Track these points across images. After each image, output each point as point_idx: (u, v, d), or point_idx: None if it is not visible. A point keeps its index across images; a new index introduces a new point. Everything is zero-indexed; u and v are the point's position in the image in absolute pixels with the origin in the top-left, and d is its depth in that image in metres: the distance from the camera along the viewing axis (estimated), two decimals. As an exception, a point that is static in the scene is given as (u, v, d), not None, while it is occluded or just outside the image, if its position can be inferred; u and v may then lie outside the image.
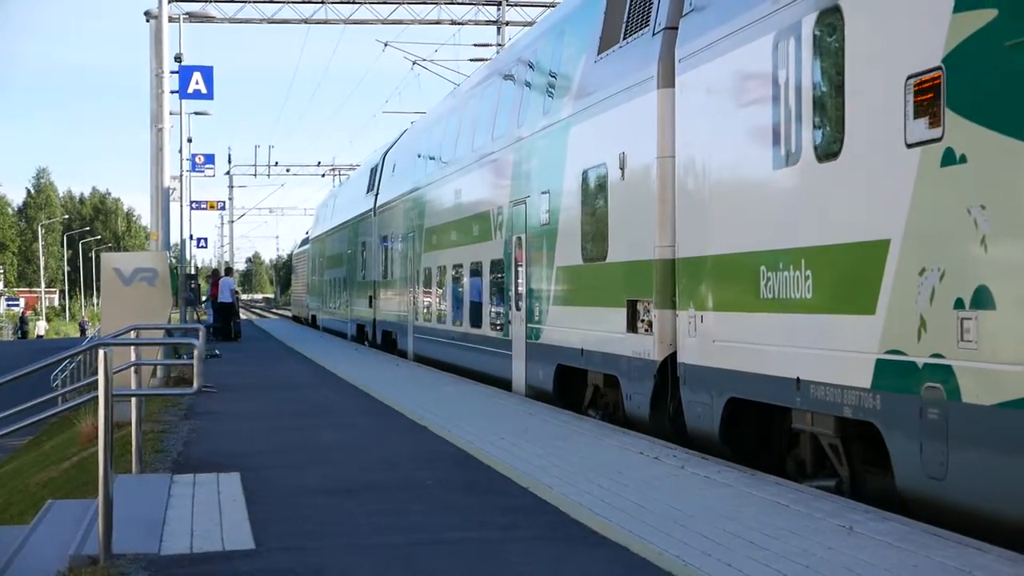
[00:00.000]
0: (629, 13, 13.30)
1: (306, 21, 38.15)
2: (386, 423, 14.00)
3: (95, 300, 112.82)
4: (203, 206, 57.32)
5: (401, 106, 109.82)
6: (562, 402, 15.23)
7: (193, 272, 46.39)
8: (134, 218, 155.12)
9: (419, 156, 26.95)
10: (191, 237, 52.20)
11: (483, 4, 38.52)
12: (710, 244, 11.01)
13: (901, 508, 8.02)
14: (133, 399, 10.86)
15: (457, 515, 8.31)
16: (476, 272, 19.97)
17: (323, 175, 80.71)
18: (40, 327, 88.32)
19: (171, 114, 27.87)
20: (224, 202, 79.38)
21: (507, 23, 39.18)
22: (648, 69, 12.35)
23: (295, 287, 69.52)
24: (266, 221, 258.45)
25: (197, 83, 27.02)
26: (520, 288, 17.05)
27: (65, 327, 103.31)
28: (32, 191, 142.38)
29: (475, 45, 40.75)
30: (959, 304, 7.35)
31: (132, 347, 11.39)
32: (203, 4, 35.93)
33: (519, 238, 17.15)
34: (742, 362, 10.26)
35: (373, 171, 34.79)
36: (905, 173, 7.86)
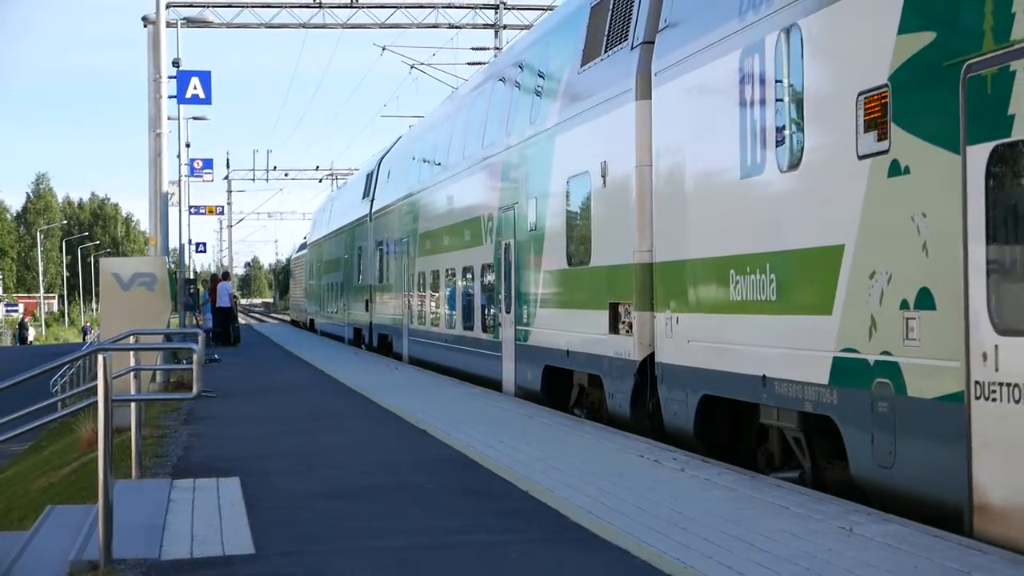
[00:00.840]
0: (610, 27, 13.85)
1: (304, 26, 38.15)
2: (385, 427, 14.00)
3: (94, 305, 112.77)
4: (202, 211, 57.38)
5: (399, 110, 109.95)
6: (550, 402, 15.75)
7: (192, 277, 46.37)
8: (133, 223, 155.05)
9: (413, 162, 27.55)
10: (190, 242, 52.21)
11: (481, 8, 38.58)
12: (684, 249, 11.58)
13: (859, 497, 8.54)
14: (133, 404, 10.86)
15: (457, 518, 8.32)
16: (468, 276, 20.54)
17: (320, 180, 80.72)
18: (30, 333, 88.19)
19: (169, 119, 27.81)
20: (223, 207, 79.25)
21: (504, 27, 39.20)
22: (627, 81, 12.93)
23: (293, 291, 70.10)
24: (265, 225, 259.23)
25: (195, 88, 27.04)
26: (510, 292, 17.61)
27: (64, 332, 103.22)
28: (31, 196, 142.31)
29: (473, 49, 40.73)
30: (904, 305, 7.93)
31: (131, 352, 11.37)
32: (200, 9, 35.93)
33: (508, 243, 17.68)
34: (714, 361, 10.85)
35: (369, 177, 35.30)
36: (857, 183, 8.43)
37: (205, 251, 70.18)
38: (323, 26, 38.23)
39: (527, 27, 36.61)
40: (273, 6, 37.72)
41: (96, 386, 7.31)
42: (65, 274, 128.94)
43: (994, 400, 7.09)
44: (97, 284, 29.90)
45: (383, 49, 40.45)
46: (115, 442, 7.81)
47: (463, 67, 41.49)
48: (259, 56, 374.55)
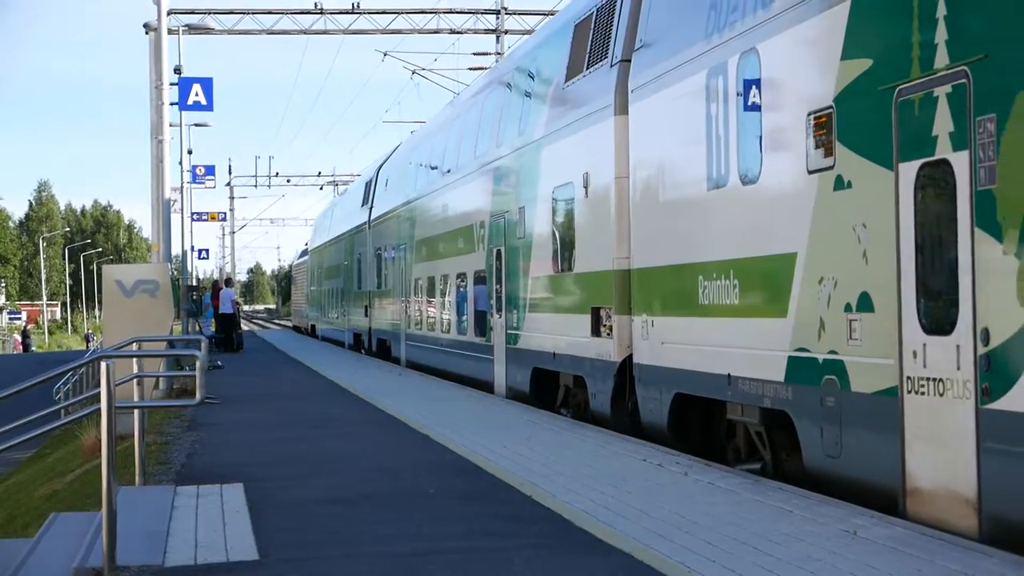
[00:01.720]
0: (591, 44, 14.58)
1: (305, 32, 38.27)
2: (388, 432, 14.03)
3: (97, 313, 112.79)
4: (204, 217, 57.41)
5: (401, 115, 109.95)
6: (538, 403, 16.48)
7: (195, 283, 46.40)
8: (135, 230, 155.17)
9: (409, 171, 28.28)
10: (192, 248, 52.22)
11: (482, 13, 38.60)
12: (659, 256, 12.34)
13: (810, 486, 9.23)
14: (136, 411, 10.85)
15: (460, 524, 8.34)
16: (462, 282, 21.33)
17: (320, 188, 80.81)
18: (32, 342, 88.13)
19: (171, 126, 27.92)
20: (225, 213, 79.36)
21: (506, 32, 39.09)
22: (606, 97, 13.67)
23: (295, 297, 70.84)
24: (267, 232, 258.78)
25: (197, 95, 27.11)
26: (501, 297, 18.35)
27: (67, 340, 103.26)
28: (33, 204, 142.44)
29: (474, 54, 40.70)
30: (848, 308, 8.69)
31: (134, 359, 11.38)
32: (202, 16, 35.97)
33: (500, 250, 18.41)
34: (685, 361, 11.61)
35: (368, 185, 35.98)
36: (807, 196, 9.20)
37: (207, 258, 70.41)
38: (324, 32, 38.34)
39: (528, 32, 36.66)
40: (275, 12, 37.91)
41: (99, 393, 7.32)
42: (68, 281, 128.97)
43: (922, 394, 7.83)
44: (100, 291, 29.92)
45: (384, 55, 40.43)
46: (118, 449, 7.82)
47: (464, 72, 41.55)
48: (261, 62, 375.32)
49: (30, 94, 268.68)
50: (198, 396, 8.54)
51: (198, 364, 8.54)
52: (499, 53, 38.57)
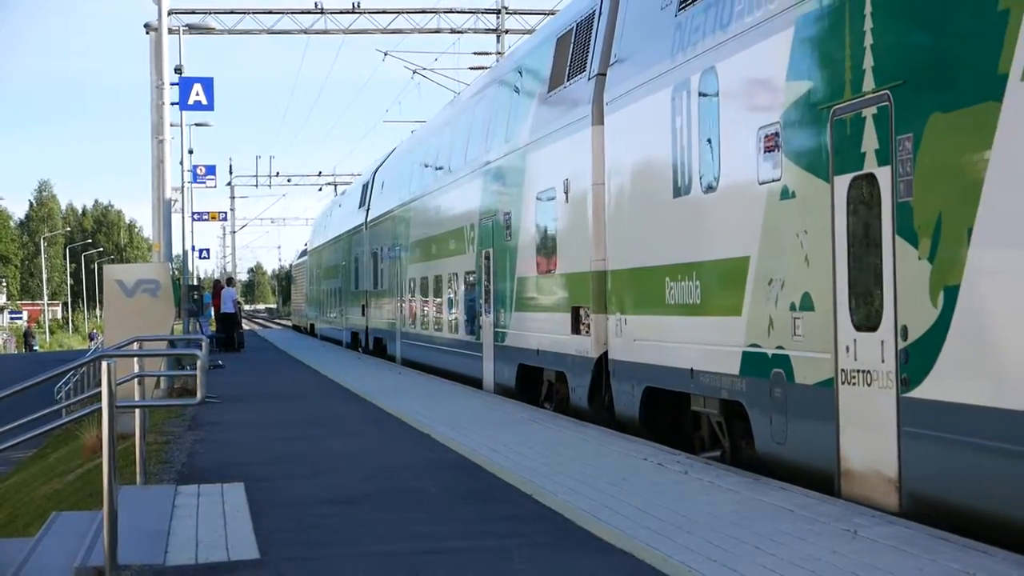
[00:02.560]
0: (572, 57, 15.53)
1: (306, 31, 38.32)
2: (389, 431, 14.06)
3: (98, 312, 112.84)
4: (205, 217, 57.46)
5: (402, 115, 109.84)
6: (523, 397, 17.45)
7: (196, 283, 46.42)
8: (136, 230, 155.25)
9: (404, 175, 29.26)
10: (193, 248, 52.23)
11: (482, 13, 38.63)
12: (630, 258, 13.25)
13: (764, 471, 9.94)
14: (137, 410, 10.87)
15: (461, 523, 8.37)
16: (453, 283, 22.31)
17: (320, 188, 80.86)
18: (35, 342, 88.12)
19: (172, 125, 27.92)
20: (226, 213, 79.36)
21: (506, 31, 39.15)
22: (584, 108, 14.59)
23: (295, 297, 71.91)
24: (268, 231, 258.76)
25: (198, 94, 27.12)
26: (489, 297, 19.31)
27: (69, 339, 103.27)
28: (34, 204, 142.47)
29: (475, 53, 40.80)
30: (793, 307, 9.57)
31: (135, 358, 11.38)
32: (203, 16, 35.98)
33: (488, 252, 19.37)
34: (654, 357, 12.50)
35: (365, 187, 36.83)
36: (758, 204, 10.08)
37: (208, 257, 70.42)
38: (325, 32, 38.41)
39: (529, 31, 36.68)
40: (275, 12, 37.99)
41: (100, 392, 7.32)
42: (69, 281, 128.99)
43: (854, 384, 8.70)
44: (101, 291, 29.94)
45: (385, 54, 40.54)
46: (119, 448, 7.86)
47: (465, 72, 41.57)
48: (261, 62, 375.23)
49: (31, 94, 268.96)
50: (199, 395, 8.54)
51: (199, 363, 8.54)
52: (500, 53, 38.59)
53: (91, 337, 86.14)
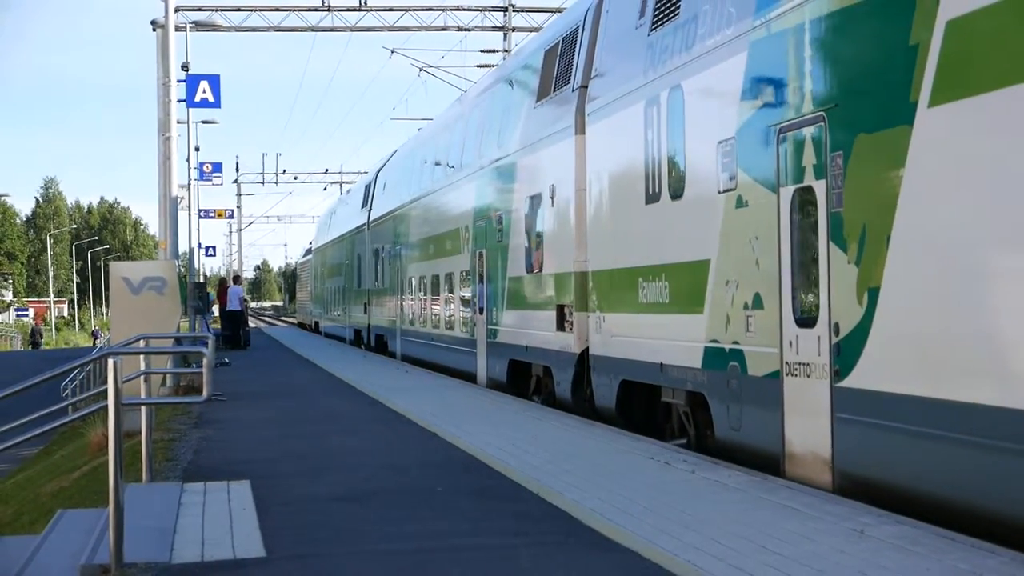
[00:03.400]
0: (558, 70, 16.62)
1: (312, 29, 38.41)
2: (395, 429, 14.10)
3: (104, 310, 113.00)
4: (211, 214, 57.48)
5: (409, 112, 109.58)
6: (513, 391, 18.51)
7: (203, 280, 46.42)
8: (142, 227, 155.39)
9: (404, 177, 30.44)
10: (199, 246, 52.24)
11: (489, 10, 38.70)
12: (608, 260, 14.33)
13: (725, 457, 10.79)
14: (143, 408, 10.90)
15: (467, 521, 8.40)
16: (449, 282, 23.46)
17: (325, 188, 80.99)
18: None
19: (178, 123, 28.01)
20: (232, 210, 79.36)
21: (513, 29, 39.29)
22: (568, 119, 15.66)
23: (299, 295, 73.11)
24: (274, 229, 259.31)
25: (204, 92, 27.25)
26: (482, 295, 20.38)
27: (75, 337, 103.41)
28: (40, 201, 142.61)
29: (482, 51, 40.93)
30: (746, 306, 10.59)
31: (141, 356, 11.40)
32: (209, 13, 36.03)
33: (482, 252, 20.45)
34: (629, 352, 13.56)
35: (367, 188, 37.87)
36: (717, 212, 11.12)
37: (215, 255, 70.20)
38: (332, 29, 38.53)
39: (536, 29, 36.64)
40: (282, 9, 38.18)
41: (106, 390, 7.33)
42: (75, 278, 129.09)
43: (796, 376, 9.72)
44: (107, 288, 29.99)
45: (392, 52, 40.64)
46: (125, 446, 7.85)
47: (472, 69, 41.62)
48: (268, 59, 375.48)
49: (37, 91, 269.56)
50: (205, 393, 8.55)
51: (205, 361, 8.54)
52: (506, 50, 38.63)
53: (95, 335, 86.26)
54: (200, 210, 50.68)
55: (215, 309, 38.99)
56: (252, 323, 54.39)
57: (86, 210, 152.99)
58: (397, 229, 30.35)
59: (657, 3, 12.86)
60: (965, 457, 7.63)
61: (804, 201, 9.60)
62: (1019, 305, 7.22)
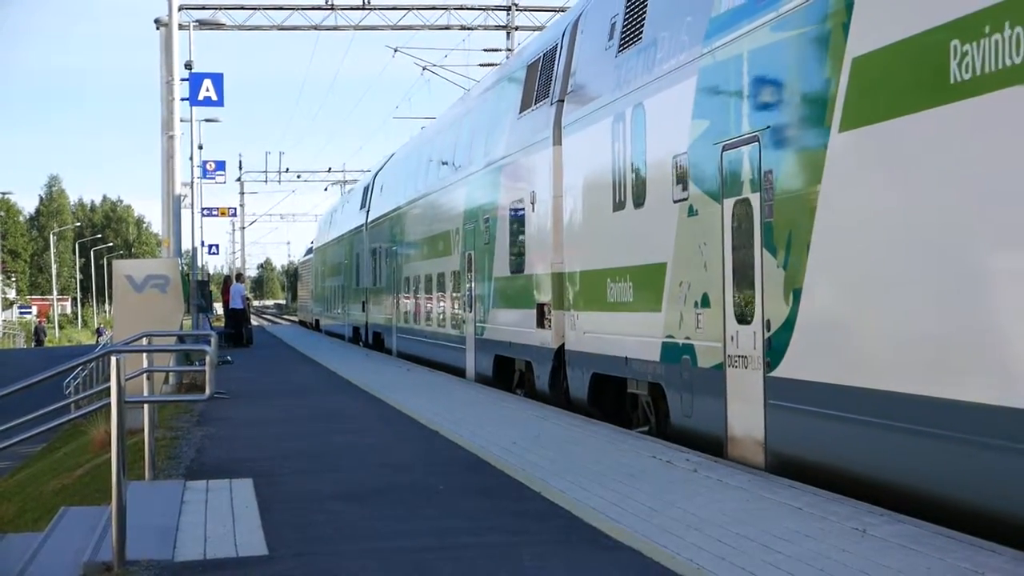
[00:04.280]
0: (539, 84, 17.94)
1: (316, 27, 38.55)
2: (397, 428, 14.15)
3: (107, 307, 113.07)
4: (214, 213, 57.57)
5: (412, 111, 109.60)
6: (499, 385, 19.78)
7: (206, 278, 46.42)
8: (145, 225, 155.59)
9: (400, 180, 31.83)
10: (203, 244, 52.30)
11: (492, 9, 38.78)
12: (581, 263, 15.59)
13: (682, 442, 11.91)
14: (146, 405, 10.96)
15: (469, 520, 8.44)
16: (441, 281, 24.79)
17: (326, 188, 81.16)
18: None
19: (182, 121, 27.93)
20: (235, 208, 79.42)
21: (516, 28, 39.41)
22: (546, 131, 16.94)
23: (301, 293, 74.82)
24: (277, 227, 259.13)
25: (207, 90, 27.27)
26: (471, 295, 21.73)
27: (78, 335, 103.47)
28: (44, 199, 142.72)
29: (485, 50, 41.10)
30: (696, 305, 11.81)
31: (144, 354, 11.40)
32: (213, 11, 36.09)
33: (471, 254, 21.77)
34: (599, 347, 14.81)
35: (366, 190, 39.03)
36: (672, 219, 12.37)
37: (218, 253, 70.37)
38: (335, 28, 38.68)
39: (539, 28, 36.72)
40: (285, 8, 38.36)
41: (109, 388, 7.34)
42: (78, 276, 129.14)
43: (736, 367, 10.95)
44: (110, 286, 29.99)
45: (395, 51, 40.76)
46: (128, 444, 7.86)
47: (475, 68, 41.71)
48: (271, 58, 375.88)
49: (40, 89, 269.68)
50: (207, 391, 8.57)
51: (208, 359, 8.55)
52: (509, 49, 38.62)
53: (99, 332, 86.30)
54: (203, 208, 50.81)
55: (218, 307, 39.06)
56: (255, 321, 54.46)
57: (89, 208, 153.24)
58: (393, 230, 31.75)
59: (624, 27, 14.13)
60: (872, 437, 8.81)
61: (743, 211, 10.84)
62: (915, 303, 8.35)
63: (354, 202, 42.30)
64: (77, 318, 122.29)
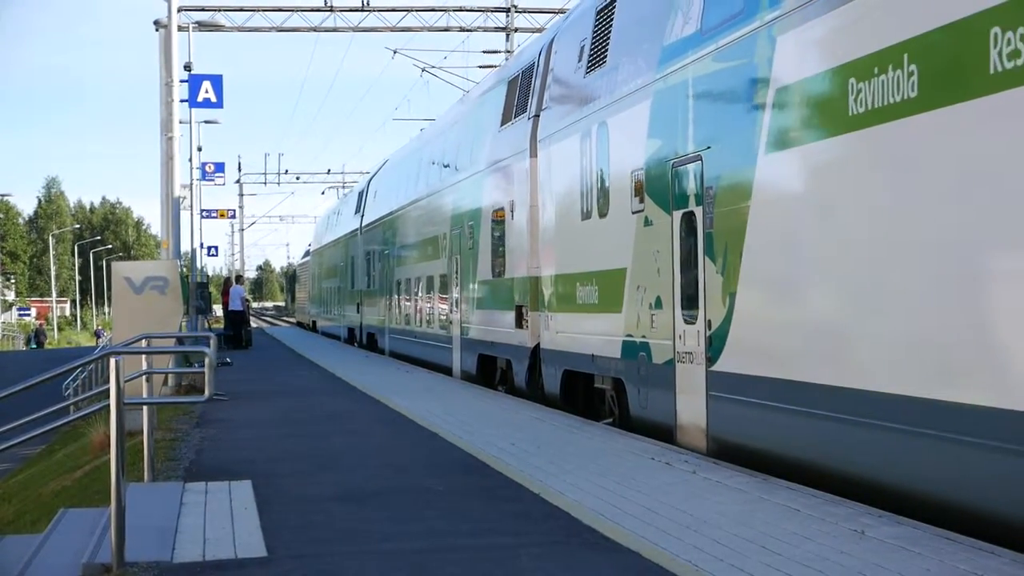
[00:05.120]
0: (518, 99, 19.26)
1: (315, 29, 38.70)
2: (396, 429, 14.19)
3: (106, 309, 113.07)
4: (213, 214, 57.62)
5: (411, 113, 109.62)
6: (483, 382, 21.12)
7: (205, 280, 46.42)
8: (144, 227, 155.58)
9: (392, 186, 33.16)
10: (202, 245, 52.29)
11: (492, 11, 38.82)
12: (554, 267, 16.83)
13: (642, 432, 13.16)
14: (145, 407, 10.96)
15: (468, 521, 8.47)
16: (430, 284, 26.13)
17: (323, 192, 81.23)
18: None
19: (181, 123, 27.98)
20: (234, 210, 79.42)
21: (516, 30, 39.57)
22: (524, 143, 18.22)
23: (299, 295, 76.23)
24: (276, 229, 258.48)
25: (207, 92, 27.39)
26: (457, 296, 23.03)
27: (77, 336, 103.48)
28: (42, 201, 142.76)
29: (484, 52, 41.20)
30: (651, 306, 13.05)
31: (143, 355, 11.40)
32: (212, 13, 36.13)
33: (457, 258, 23.07)
34: (569, 345, 16.09)
35: (361, 194, 40.31)
36: (631, 229, 13.61)
37: (217, 255, 70.34)
38: (334, 30, 38.85)
39: (538, 30, 36.76)
40: (284, 10, 38.65)
41: (108, 389, 7.34)
42: (77, 278, 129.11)
43: (684, 363, 12.20)
44: (109, 288, 29.97)
45: (394, 52, 40.85)
46: (127, 445, 7.86)
47: (474, 70, 41.77)
48: (270, 59, 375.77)
49: (39, 90, 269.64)
50: (207, 393, 8.58)
51: (207, 361, 8.55)
52: (508, 51, 38.68)
53: (97, 335, 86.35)
54: (202, 210, 50.80)
55: (216, 309, 39.08)
56: (254, 323, 54.50)
57: (88, 210, 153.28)
58: (386, 234, 33.14)
59: (591, 50, 15.43)
60: (799, 425, 9.97)
61: (689, 223, 12.10)
62: (825, 304, 9.61)
63: (350, 206, 43.56)
64: (76, 320, 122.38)
